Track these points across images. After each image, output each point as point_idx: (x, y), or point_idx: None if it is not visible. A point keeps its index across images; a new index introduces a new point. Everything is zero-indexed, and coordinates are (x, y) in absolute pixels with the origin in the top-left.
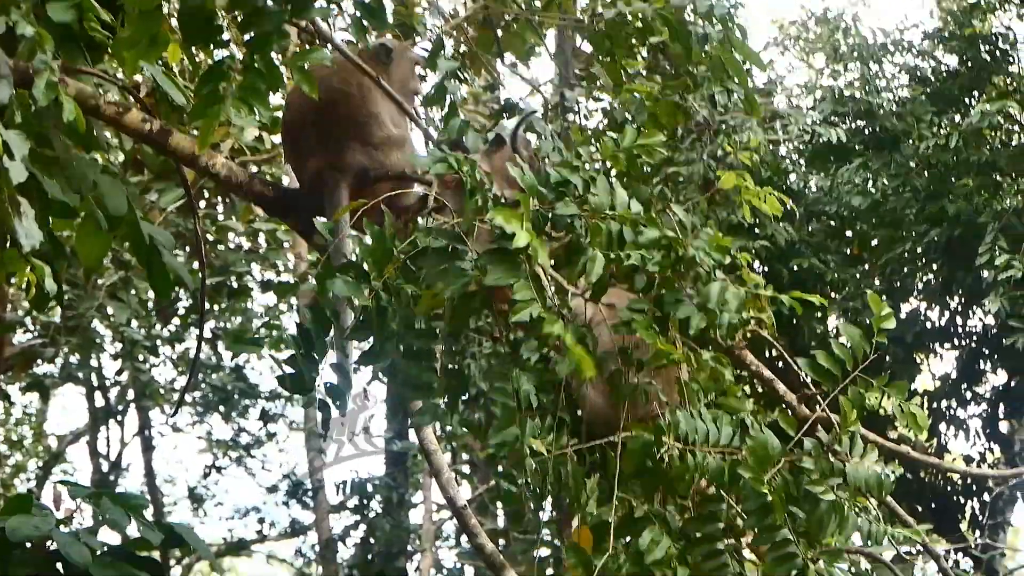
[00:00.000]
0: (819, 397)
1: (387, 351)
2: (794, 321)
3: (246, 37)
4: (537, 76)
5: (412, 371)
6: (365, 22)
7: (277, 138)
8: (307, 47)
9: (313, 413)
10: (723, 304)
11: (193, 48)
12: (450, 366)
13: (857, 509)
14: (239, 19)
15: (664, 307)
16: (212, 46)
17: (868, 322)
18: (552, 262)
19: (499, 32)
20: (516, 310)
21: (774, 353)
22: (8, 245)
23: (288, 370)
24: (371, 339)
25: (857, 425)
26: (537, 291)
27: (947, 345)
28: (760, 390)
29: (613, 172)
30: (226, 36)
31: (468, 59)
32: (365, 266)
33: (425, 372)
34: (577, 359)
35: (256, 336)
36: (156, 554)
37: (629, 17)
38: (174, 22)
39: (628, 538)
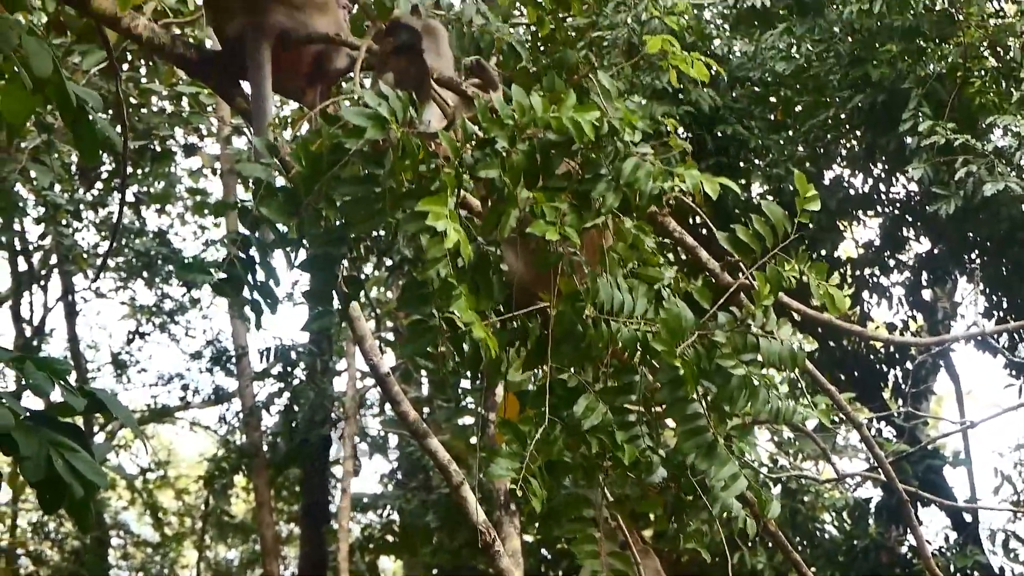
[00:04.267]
0: (743, 265)
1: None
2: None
3: None
4: None
5: (314, 280)
6: None
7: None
8: None
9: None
10: (635, 181)
11: None
12: (351, 272)
13: (768, 386)
14: None
15: (583, 184)
16: None
17: (791, 188)
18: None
19: None
20: (425, 269)
21: (699, 220)
22: None
23: (222, 275)
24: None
25: (772, 299)
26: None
27: (870, 212)
28: (684, 257)
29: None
30: None
31: None
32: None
33: (325, 281)
34: (480, 340)
35: (204, 261)
36: (79, 420)
37: None
38: None
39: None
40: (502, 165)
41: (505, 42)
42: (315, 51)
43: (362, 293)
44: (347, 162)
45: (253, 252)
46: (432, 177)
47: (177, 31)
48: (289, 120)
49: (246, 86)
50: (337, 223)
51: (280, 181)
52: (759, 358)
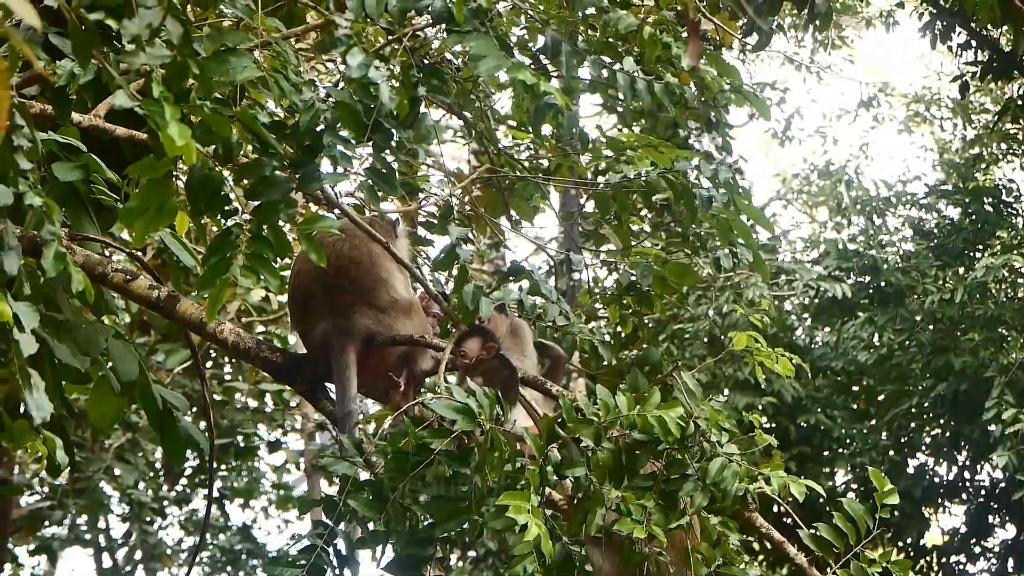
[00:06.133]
0: (830, 560)
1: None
2: (802, 476)
3: (253, 205)
4: (541, 232)
5: None
6: (377, 188)
7: (284, 298)
8: (313, 209)
9: None
10: (721, 481)
11: None
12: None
13: None
14: (246, 186)
15: (670, 483)
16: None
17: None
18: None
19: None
20: (512, 565)
21: (783, 509)
22: (19, 415)
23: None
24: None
25: None
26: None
27: (955, 500)
28: (769, 546)
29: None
30: (232, 197)
31: (472, 218)
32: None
33: None
34: None
35: (289, 555)
36: None
37: (632, 177)
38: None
39: None
40: (588, 464)
41: (587, 342)
42: (400, 353)
43: None
44: (432, 461)
45: (337, 546)
46: (517, 476)
47: (261, 329)
48: (373, 417)
49: (331, 386)
50: (423, 522)
51: (365, 477)
52: None
